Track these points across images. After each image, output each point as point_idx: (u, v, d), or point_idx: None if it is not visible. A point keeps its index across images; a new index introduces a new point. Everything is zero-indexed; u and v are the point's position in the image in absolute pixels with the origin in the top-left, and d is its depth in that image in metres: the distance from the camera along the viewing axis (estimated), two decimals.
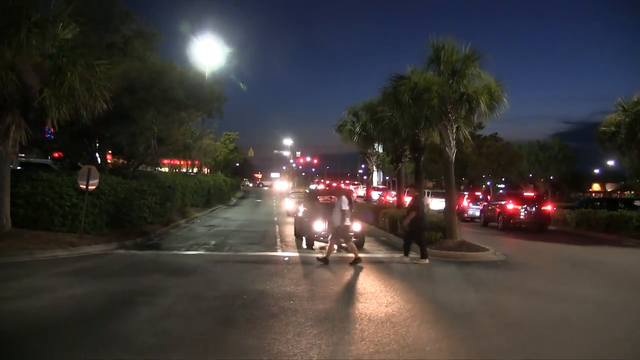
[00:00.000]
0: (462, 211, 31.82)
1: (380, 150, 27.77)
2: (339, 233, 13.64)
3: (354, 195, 57.33)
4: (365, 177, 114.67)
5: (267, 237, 19.35)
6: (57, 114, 13.14)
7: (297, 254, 15.03)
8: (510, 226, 25.67)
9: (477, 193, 36.47)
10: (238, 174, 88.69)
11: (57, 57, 13.51)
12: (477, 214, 30.44)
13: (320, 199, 19.33)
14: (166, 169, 42.83)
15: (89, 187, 14.98)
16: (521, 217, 25.86)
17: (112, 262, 12.46)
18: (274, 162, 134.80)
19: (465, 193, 35.53)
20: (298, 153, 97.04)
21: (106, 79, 13.92)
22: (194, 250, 15.12)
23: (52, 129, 16.85)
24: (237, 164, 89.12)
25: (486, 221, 28.29)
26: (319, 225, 15.51)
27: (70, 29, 13.92)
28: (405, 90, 15.84)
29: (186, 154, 32.47)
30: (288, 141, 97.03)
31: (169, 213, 21.57)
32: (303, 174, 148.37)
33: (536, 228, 25.51)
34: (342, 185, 76.03)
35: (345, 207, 13.68)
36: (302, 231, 17.04)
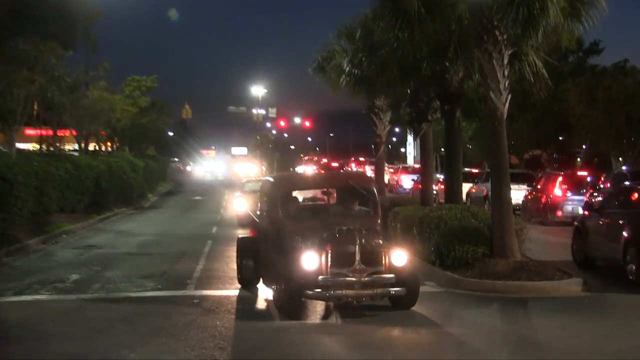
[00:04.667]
0: (553, 206, 31.83)
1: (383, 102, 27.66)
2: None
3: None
4: (400, 150, 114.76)
5: (181, 263, 19.56)
6: None
7: (222, 293, 15.20)
8: None
9: (581, 172, 36.40)
10: (167, 152, 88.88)
11: None
12: (581, 211, 30.36)
13: (305, 196, 17.92)
14: (31, 146, 42.84)
15: None
16: None
17: None
18: (239, 130, 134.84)
19: (560, 173, 35.42)
20: (273, 111, 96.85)
21: None
22: (32, 293, 15.20)
23: None
24: (170, 133, 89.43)
25: None
26: (312, 260, 12.67)
27: None
28: None
29: (52, 118, 32.44)
30: (257, 90, 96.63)
31: (3, 228, 21.60)
32: (292, 146, 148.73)
33: None
34: (352, 166, 76.20)
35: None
36: (262, 270, 15.08)
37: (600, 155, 54.30)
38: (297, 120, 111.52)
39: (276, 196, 15.00)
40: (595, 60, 55.01)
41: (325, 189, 16.64)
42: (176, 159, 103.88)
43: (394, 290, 12.66)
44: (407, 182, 53.65)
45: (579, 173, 36.82)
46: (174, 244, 24.31)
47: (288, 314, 12.70)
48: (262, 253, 15.10)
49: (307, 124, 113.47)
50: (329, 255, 12.53)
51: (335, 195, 16.24)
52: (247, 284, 15.58)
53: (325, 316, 13.15)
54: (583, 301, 14.69)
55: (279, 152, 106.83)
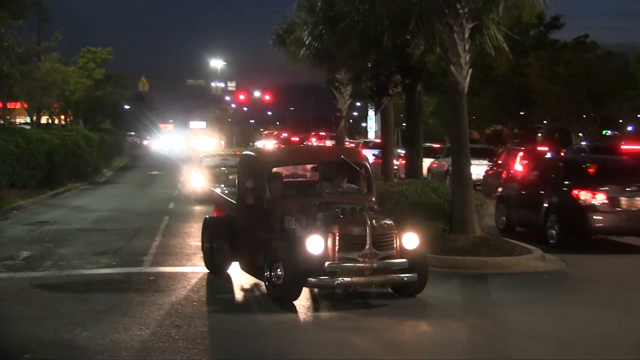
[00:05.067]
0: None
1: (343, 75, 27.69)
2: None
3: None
4: (364, 124, 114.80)
5: (137, 240, 19.47)
6: None
7: (179, 270, 15.19)
8: None
9: (541, 148, 36.82)
10: (123, 125, 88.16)
11: None
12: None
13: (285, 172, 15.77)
14: None
15: None
16: None
17: None
18: (197, 104, 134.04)
19: (520, 148, 35.74)
20: (232, 84, 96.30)
21: None
22: None
23: None
24: (127, 106, 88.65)
25: None
26: (317, 244, 11.65)
27: None
28: None
29: (1, 90, 31.90)
30: (216, 63, 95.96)
31: None
32: (252, 120, 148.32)
33: None
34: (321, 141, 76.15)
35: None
36: (240, 254, 14.05)
37: (560, 130, 55.02)
38: (257, 93, 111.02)
39: (262, 173, 13.41)
40: (556, 35, 55.61)
41: (316, 165, 14.78)
42: (133, 133, 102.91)
43: (407, 277, 11.85)
44: (368, 156, 53.68)
45: (540, 148, 37.23)
46: (130, 220, 24.10)
47: (286, 303, 11.83)
48: (241, 236, 13.90)
49: (267, 97, 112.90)
50: (337, 238, 11.52)
51: (319, 171, 14.42)
52: (218, 269, 14.49)
53: (316, 307, 12.16)
54: (542, 276, 14.98)
55: (239, 126, 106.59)
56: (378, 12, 16.93)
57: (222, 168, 30.36)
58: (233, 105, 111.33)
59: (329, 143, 66.94)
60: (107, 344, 9.61)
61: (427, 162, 33.22)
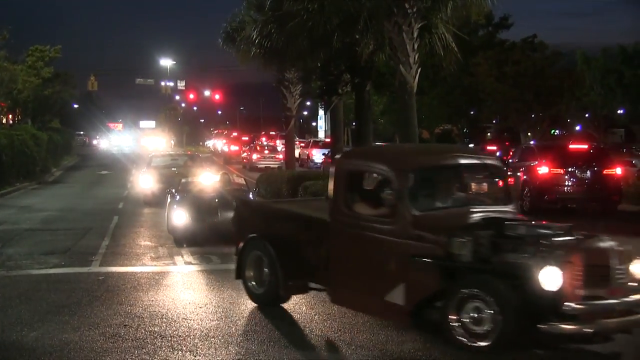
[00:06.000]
0: None
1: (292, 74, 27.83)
2: None
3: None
4: (314, 124, 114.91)
5: (86, 239, 19.32)
6: None
7: (128, 270, 15.11)
8: (544, 205, 26.03)
9: (490, 147, 37.27)
10: (72, 124, 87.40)
11: None
12: None
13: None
14: None
15: None
16: (565, 188, 26.28)
17: None
18: (147, 103, 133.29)
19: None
20: (182, 83, 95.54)
21: None
22: None
23: None
24: (76, 105, 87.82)
25: None
26: (552, 278, 8.68)
27: None
28: None
29: None
30: (166, 62, 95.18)
31: None
32: (202, 120, 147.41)
33: (596, 207, 26.00)
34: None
35: None
36: (352, 289, 10.60)
37: (509, 129, 55.70)
38: (207, 93, 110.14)
39: (403, 179, 10.04)
40: (504, 35, 56.49)
41: (458, 169, 11.17)
42: (82, 132, 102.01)
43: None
44: (318, 156, 53.91)
45: (489, 147, 37.68)
46: (79, 219, 23.92)
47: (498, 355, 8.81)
48: (340, 262, 10.57)
49: (217, 96, 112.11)
50: (579, 270, 8.70)
51: (455, 177, 11.33)
52: (276, 301, 11.52)
53: None
54: None
55: (188, 125, 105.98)
56: (327, 11, 17.10)
57: (173, 168, 30.13)
58: (183, 105, 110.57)
59: (279, 142, 67.00)
60: (55, 344, 9.56)
61: None
